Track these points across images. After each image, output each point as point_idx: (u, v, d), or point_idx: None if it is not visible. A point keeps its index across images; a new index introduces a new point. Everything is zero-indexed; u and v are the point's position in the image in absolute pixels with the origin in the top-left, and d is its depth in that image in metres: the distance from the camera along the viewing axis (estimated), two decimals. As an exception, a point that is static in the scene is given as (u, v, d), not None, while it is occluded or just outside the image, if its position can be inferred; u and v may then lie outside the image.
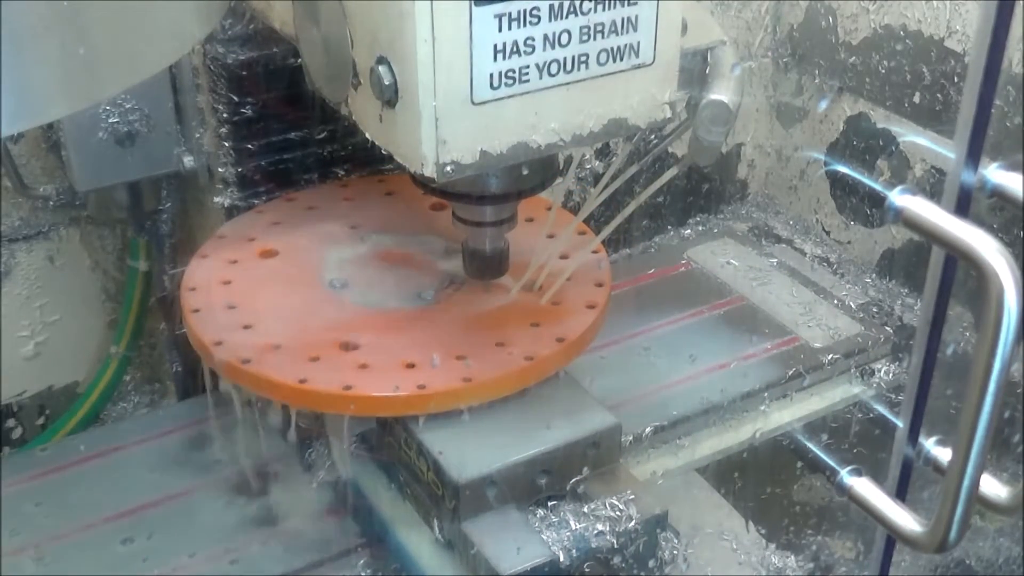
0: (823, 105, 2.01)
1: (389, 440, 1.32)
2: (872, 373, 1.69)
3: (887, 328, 1.73)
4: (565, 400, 1.30)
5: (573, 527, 1.22)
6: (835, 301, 1.79)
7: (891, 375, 1.68)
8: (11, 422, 1.75)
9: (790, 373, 1.61)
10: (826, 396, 1.66)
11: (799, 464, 1.69)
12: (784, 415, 1.61)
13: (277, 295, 1.34)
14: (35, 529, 1.36)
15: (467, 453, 1.22)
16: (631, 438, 1.47)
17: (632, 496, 1.25)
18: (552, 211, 1.42)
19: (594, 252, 1.42)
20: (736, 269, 1.86)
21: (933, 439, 1.06)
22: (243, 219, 1.46)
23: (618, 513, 1.23)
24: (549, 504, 1.25)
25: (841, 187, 2.04)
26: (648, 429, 1.50)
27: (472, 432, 1.25)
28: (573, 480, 1.26)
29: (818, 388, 1.65)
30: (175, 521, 1.38)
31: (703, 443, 1.56)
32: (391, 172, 1.53)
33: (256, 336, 1.27)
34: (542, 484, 1.24)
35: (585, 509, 1.24)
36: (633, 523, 1.23)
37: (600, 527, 1.22)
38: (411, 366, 1.23)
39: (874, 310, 1.80)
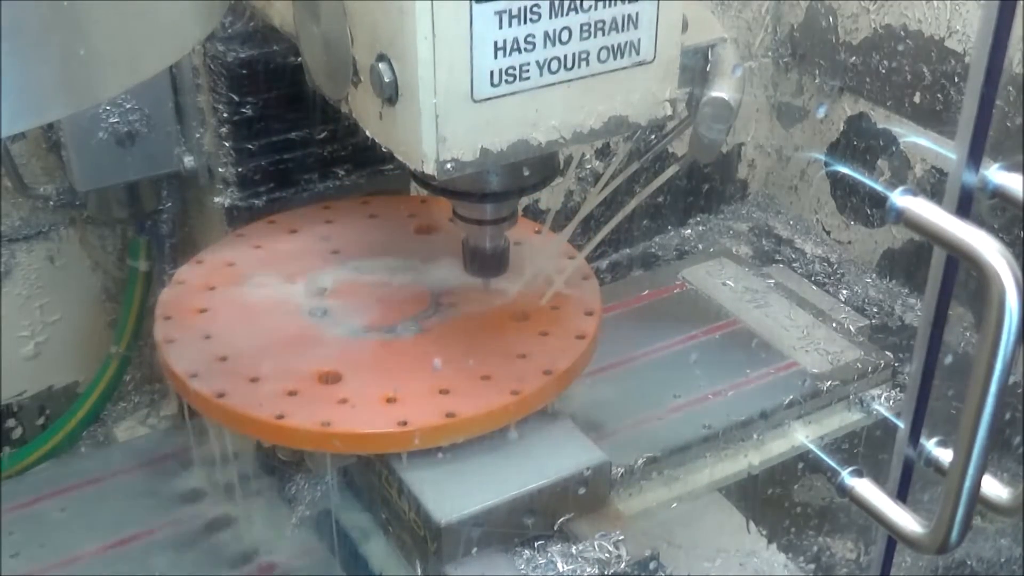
0: (821, 112, 2.01)
1: (371, 477, 1.29)
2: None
3: (887, 353, 1.69)
4: (552, 435, 1.27)
5: (561, 569, 1.19)
6: (833, 324, 1.75)
7: (892, 402, 1.64)
8: (11, 422, 1.74)
9: (787, 400, 1.58)
10: (824, 423, 1.62)
11: (800, 465, 1.69)
12: (781, 444, 1.58)
13: (255, 324, 1.30)
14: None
15: (450, 493, 1.19)
16: (622, 470, 1.44)
17: (622, 536, 1.22)
18: (547, 221, 1.41)
19: (584, 279, 1.39)
20: (732, 290, 1.82)
21: (934, 440, 1.06)
22: (223, 243, 1.43)
23: (607, 555, 1.20)
24: (536, 544, 1.22)
25: (842, 187, 2.04)
26: (640, 460, 1.46)
27: (455, 470, 1.22)
28: (560, 520, 1.23)
29: (816, 416, 1.62)
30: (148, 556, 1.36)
31: (698, 473, 1.52)
32: (377, 193, 1.52)
33: (232, 368, 1.23)
34: (528, 524, 1.21)
35: (573, 550, 1.21)
36: (624, 565, 1.19)
37: (589, 569, 1.19)
38: (392, 400, 1.20)
39: (874, 310, 1.80)
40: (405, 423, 1.18)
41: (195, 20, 0.92)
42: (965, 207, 0.95)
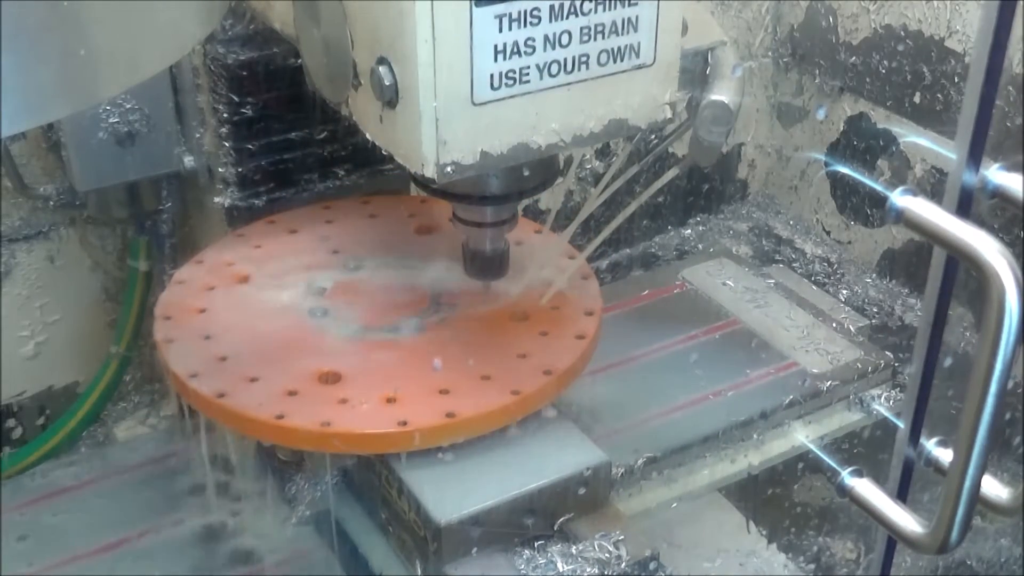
0: (821, 114, 2.01)
1: (371, 477, 1.29)
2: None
3: (887, 353, 1.69)
4: (552, 435, 1.27)
5: (561, 569, 1.19)
6: (833, 324, 1.75)
7: (892, 402, 1.63)
8: (11, 422, 1.74)
9: (787, 400, 1.57)
10: (824, 423, 1.62)
11: (800, 465, 1.68)
12: (781, 444, 1.58)
13: (255, 324, 1.30)
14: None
15: (450, 493, 1.19)
16: (623, 470, 1.44)
17: (622, 536, 1.22)
18: (547, 221, 1.41)
19: (584, 278, 1.39)
20: (733, 290, 1.82)
21: (934, 440, 1.06)
22: (223, 243, 1.43)
23: (607, 555, 1.20)
24: (536, 544, 1.22)
25: (842, 187, 2.04)
26: (640, 460, 1.46)
27: (455, 470, 1.22)
28: (560, 520, 1.23)
29: (816, 415, 1.61)
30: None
31: (697, 474, 1.52)
32: (377, 193, 1.52)
33: (232, 368, 1.23)
34: (528, 524, 1.21)
35: (573, 550, 1.21)
36: (624, 565, 1.19)
37: (589, 569, 1.19)
38: (392, 400, 1.20)
39: (874, 310, 1.79)
40: (405, 423, 1.18)
41: (195, 20, 0.92)
42: (965, 207, 0.95)
